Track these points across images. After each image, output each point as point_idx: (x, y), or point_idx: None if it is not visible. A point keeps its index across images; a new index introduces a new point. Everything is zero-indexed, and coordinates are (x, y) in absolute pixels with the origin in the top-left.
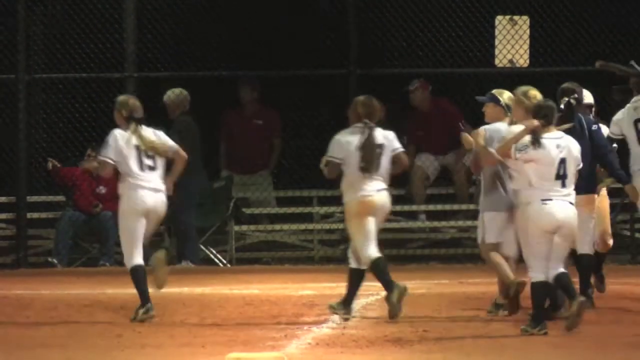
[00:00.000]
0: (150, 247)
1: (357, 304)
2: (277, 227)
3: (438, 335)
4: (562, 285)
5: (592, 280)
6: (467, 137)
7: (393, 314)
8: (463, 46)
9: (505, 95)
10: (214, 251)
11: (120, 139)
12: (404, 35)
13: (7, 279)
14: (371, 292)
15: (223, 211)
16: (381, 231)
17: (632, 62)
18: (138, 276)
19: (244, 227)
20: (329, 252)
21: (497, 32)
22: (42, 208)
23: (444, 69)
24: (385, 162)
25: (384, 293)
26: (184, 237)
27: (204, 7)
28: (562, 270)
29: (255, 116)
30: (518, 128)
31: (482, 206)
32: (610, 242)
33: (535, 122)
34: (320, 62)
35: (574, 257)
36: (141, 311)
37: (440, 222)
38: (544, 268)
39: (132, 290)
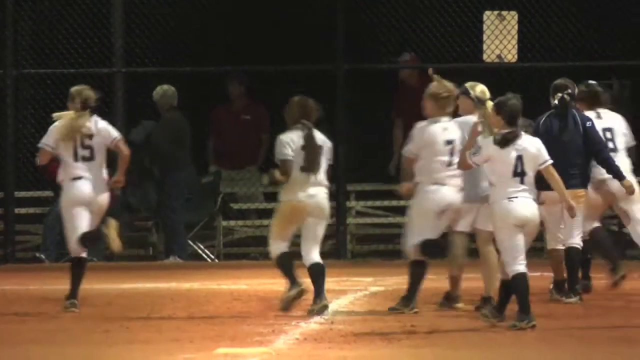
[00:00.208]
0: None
1: (345, 298)
2: (265, 222)
3: (426, 330)
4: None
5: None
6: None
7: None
8: (451, 41)
9: (478, 89)
10: (201, 246)
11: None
12: (392, 30)
13: None
14: (359, 287)
15: (211, 206)
16: (369, 226)
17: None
18: (73, 269)
19: (232, 223)
20: None
21: (485, 27)
22: (30, 203)
23: (432, 64)
24: (324, 163)
25: (373, 288)
26: (171, 232)
27: (192, 2)
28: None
29: (243, 111)
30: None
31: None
32: None
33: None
34: (308, 58)
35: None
36: (67, 302)
37: None
38: (521, 260)
39: (120, 285)
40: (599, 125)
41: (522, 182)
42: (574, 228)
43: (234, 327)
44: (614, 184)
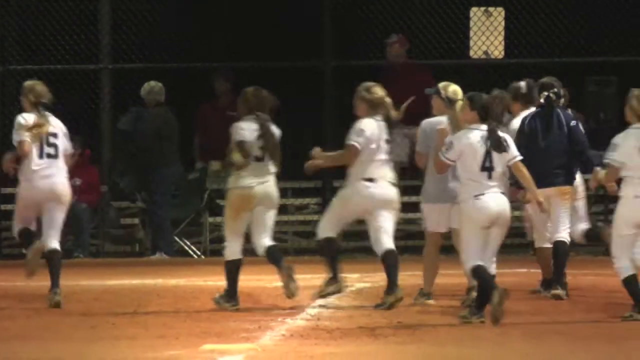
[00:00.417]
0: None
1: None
2: None
3: (412, 327)
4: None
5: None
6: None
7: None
8: (438, 38)
9: (450, 89)
10: (188, 243)
11: (28, 121)
12: (379, 27)
13: None
14: (345, 284)
15: (197, 203)
16: (355, 223)
17: None
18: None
19: (219, 219)
20: (304, 243)
21: (472, 23)
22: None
23: (419, 61)
24: (278, 152)
25: (359, 285)
26: (158, 228)
27: None
28: (493, 272)
29: (229, 108)
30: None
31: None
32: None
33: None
34: (295, 54)
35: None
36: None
37: (415, 213)
38: (480, 255)
39: (107, 282)
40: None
41: (490, 177)
42: (561, 223)
43: (220, 324)
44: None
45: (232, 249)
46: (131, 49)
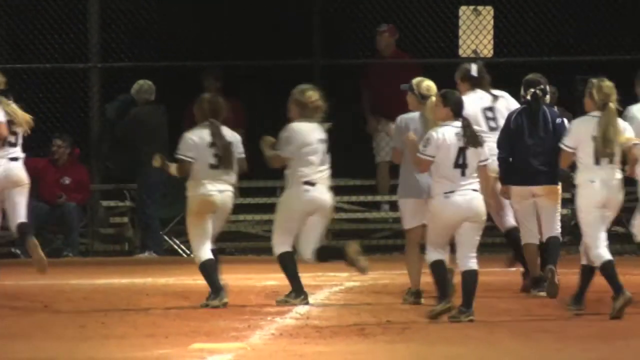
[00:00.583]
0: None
1: (321, 293)
2: (241, 217)
3: (401, 326)
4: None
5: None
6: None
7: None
8: (427, 36)
9: (424, 85)
10: (177, 241)
11: None
12: (369, 25)
13: None
14: (334, 282)
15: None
16: (345, 222)
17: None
18: None
19: None
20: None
21: (461, 22)
22: None
23: (408, 60)
24: (234, 159)
25: (349, 283)
26: (146, 227)
27: None
28: (474, 267)
29: None
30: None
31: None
32: None
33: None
34: (284, 53)
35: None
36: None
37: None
38: (441, 249)
39: (96, 281)
40: (480, 104)
41: (463, 174)
42: (551, 222)
43: (210, 323)
44: None
45: (201, 251)
46: (120, 48)
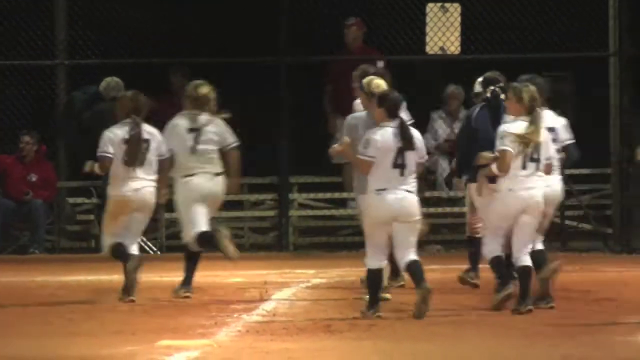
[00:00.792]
0: None
1: (288, 290)
2: None
3: (368, 322)
4: (412, 271)
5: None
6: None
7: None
8: (394, 33)
9: (373, 83)
10: (144, 239)
11: None
12: (335, 23)
13: None
14: (301, 279)
15: None
16: (311, 219)
17: None
18: None
19: (175, 215)
20: (260, 239)
21: (428, 19)
22: None
23: (375, 57)
24: (151, 157)
25: (315, 280)
26: None
27: None
28: (413, 257)
29: None
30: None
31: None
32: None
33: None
34: (251, 51)
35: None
36: None
37: None
38: (380, 256)
39: (63, 278)
40: None
41: (402, 175)
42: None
43: (176, 319)
44: None
45: (109, 240)
46: (87, 45)
